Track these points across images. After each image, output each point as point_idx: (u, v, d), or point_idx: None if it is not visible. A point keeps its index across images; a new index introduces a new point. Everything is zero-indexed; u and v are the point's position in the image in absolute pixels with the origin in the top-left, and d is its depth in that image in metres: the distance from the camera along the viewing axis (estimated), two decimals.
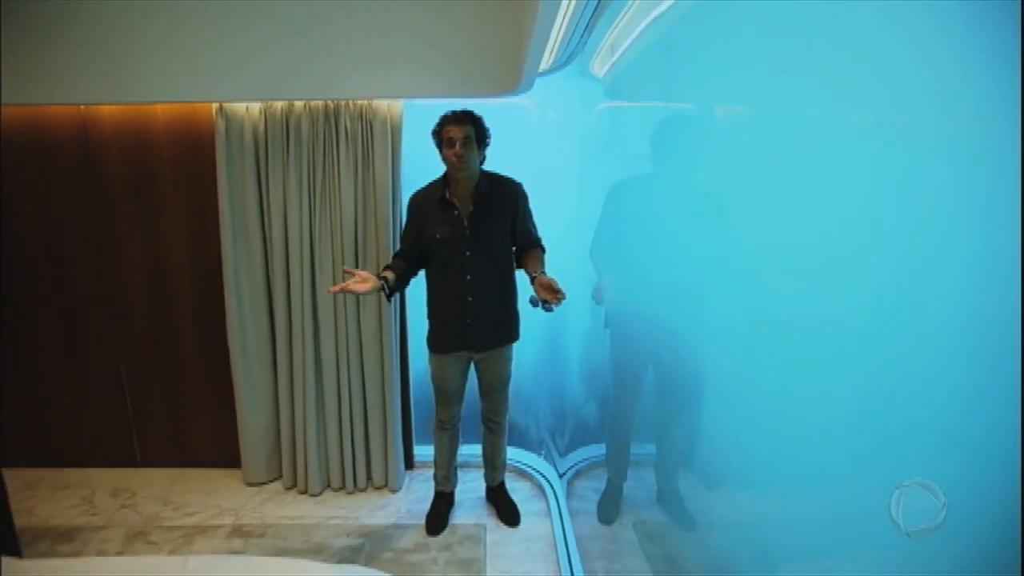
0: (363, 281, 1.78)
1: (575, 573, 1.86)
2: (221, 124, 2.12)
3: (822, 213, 0.72)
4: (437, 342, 2.03)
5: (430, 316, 2.05)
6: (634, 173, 1.60)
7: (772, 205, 0.85)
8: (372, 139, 2.10)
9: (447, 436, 2.18)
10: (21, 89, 2.06)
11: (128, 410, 2.56)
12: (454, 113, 1.85)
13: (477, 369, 2.12)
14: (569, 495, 2.26)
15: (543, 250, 2.02)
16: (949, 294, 0.51)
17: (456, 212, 1.90)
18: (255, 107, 2.13)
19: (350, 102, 2.09)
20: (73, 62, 2.04)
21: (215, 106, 2.13)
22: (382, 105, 2.09)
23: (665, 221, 1.36)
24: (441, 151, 1.88)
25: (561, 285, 1.74)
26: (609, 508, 1.82)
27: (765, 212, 0.88)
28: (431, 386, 2.14)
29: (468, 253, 1.91)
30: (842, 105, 0.68)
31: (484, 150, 1.91)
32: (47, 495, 2.40)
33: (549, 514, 2.24)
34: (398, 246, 2.18)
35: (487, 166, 1.97)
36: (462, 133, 1.81)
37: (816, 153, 0.74)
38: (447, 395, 2.10)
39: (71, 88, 2.07)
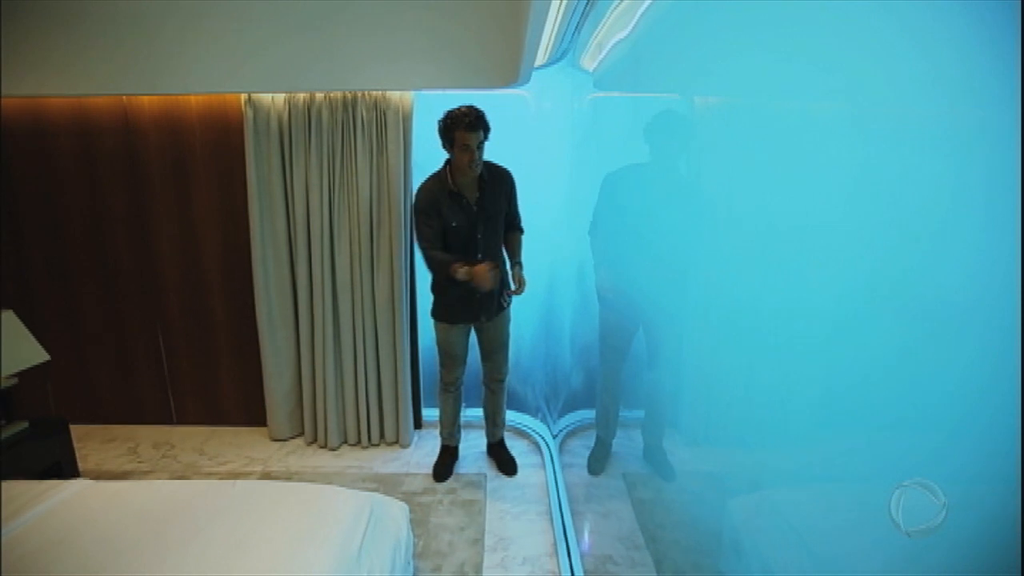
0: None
1: (564, 512, 2.11)
2: (249, 113, 2.34)
3: (800, 198, 0.80)
4: (448, 314, 2.21)
5: (439, 292, 2.21)
6: (627, 161, 1.72)
7: (754, 191, 0.96)
8: (386, 127, 2.32)
9: (452, 397, 2.38)
10: (66, 82, 2.30)
11: (165, 374, 2.84)
12: (467, 119, 1.94)
13: (479, 333, 2.31)
14: (561, 452, 2.51)
15: (522, 232, 2.26)
16: (941, 286, 0.51)
17: (465, 200, 2.07)
18: (280, 98, 2.36)
19: (366, 93, 2.31)
20: (116, 58, 2.27)
21: (243, 97, 2.35)
22: (395, 96, 2.31)
23: (655, 204, 1.54)
24: (450, 149, 2.01)
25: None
26: (598, 462, 2.01)
27: (745, 198, 0.99)
28: (436, 351, 2.34)
29: (480, 236, 2.10)
30: (822, 95, 0.73)
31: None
32: (97, 446, 2.68)
33: (543, 467, 2.49)
34: (409, 224, 2.41)
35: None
36: (476, 140, 1.95)
37: (793, 141, 0.81)
38: (453, 358, 2.29)
39: (114, 80, 2.30)
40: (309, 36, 2.20)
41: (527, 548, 1.96)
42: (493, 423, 2.50)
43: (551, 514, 2.15)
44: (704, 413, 1.29)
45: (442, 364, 2.34)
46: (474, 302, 2.16)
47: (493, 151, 2.22)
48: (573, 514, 2.11)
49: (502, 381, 2.42)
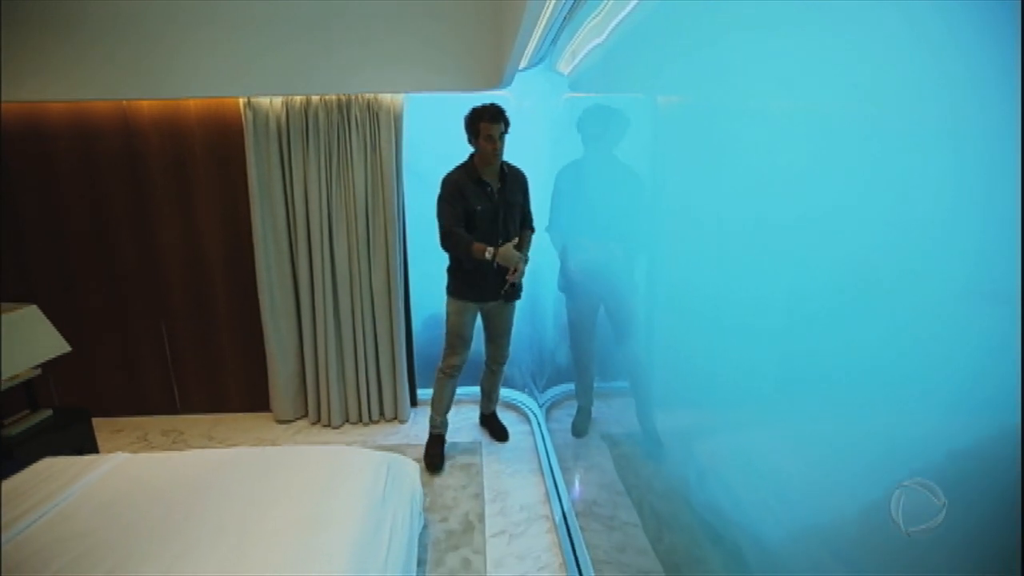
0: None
1: (553, 468, 2.37)
2: (249, 115, 2.50)
3: (751, 182, 0.89)
4: (469, 292, 2.32)
5: (459, 272, 2.33)
6: (577, 155, 1.94)
7: (711, 180, 1.06)
8: (379, 127, 2.51)
9: (452, 383, 2.46)
10: (67, 87, 2.42)
11: (169, 366, 2.97)
12: (490, 112, 2.13)
13: (488, 317, 2.47)
14: (547, 419, 2.77)
15: (533, 231, 2.45)
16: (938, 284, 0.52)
17: (489, 188, 2.24)
18: (278, 101, 2.52)
19: (359, 96, 2.49)
20: (116, 63, 2.40)
21: (243, 100, 2.51)
22: (386, 98, 2.50)
23: (607, 194, 1.77)
24: (474, 141, 2.18)
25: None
26: (582, 425, 2.23)
27: (700, 187, 1.13)
28: (444, 335, 2.42)
29: (501, 221, 2.27)
30: (774, 92, 0.79)
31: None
32: (107, 436, 2.81)
33: (532, 433, 2.75)
34: (403, 216, 2.61)
35: None
36: (499, 131, 2.14)
37: (743, 129, 0.91)
38: (464, 340, 2.39)
39: (114, 85, 2.43)
40: (305, 42, 2.38)
41: (523, 498, 2.22)
42: (489, 398, 2.73)
43: (542, 471, 2.41)
44: (667, 376, 1.48)
45: (449, 347, 2.42)
46: (489, 279, 2.29)
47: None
48: (562, 470, 2.37)
49: (503, 364, 2.61)
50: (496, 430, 2.73)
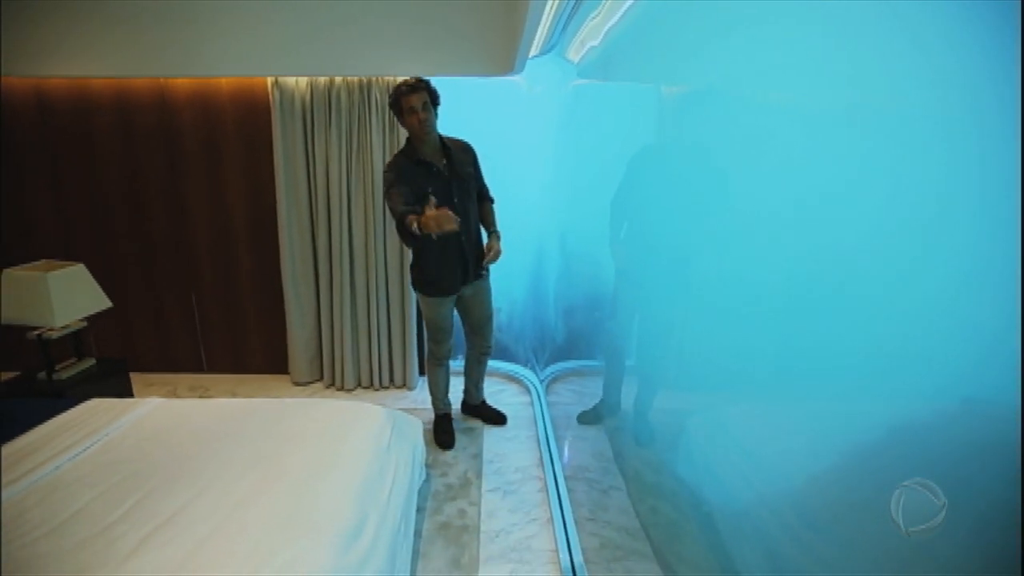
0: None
1: (549, 437, 2.53)
2: (276, 94, 2.66)
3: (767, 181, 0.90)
4: (437, 286, 2.24)
5: (424, 266, 2.23)
6: (645, 145, 1.75)
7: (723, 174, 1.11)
8: None
9: (444, 370, 2.51)
10: (108, 64, 2.60)
11: (197, 327, 3.19)
12: (407, 84, 2.03)
13: (464, 308, 2.41)
14: (548, 393, 2.92)
15: (492, 201, 2.38)
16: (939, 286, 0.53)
17: (435, 168, 2.12)
18: (303, 81, 2.67)
19: (380, 78, 2.63)
20: (153, 40, 2.56)
21: (271, 80, 2.66)
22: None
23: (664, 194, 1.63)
24: (402, 119, 2.09)
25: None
26: (594, 416, 2.20)
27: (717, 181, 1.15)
28: (426, 329, 2.44)
29: (456, 199, 2.15)
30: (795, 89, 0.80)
31: (437, 110, 2.13)
32: (140, 388, 3.04)
33: (532, 404, 2.91)
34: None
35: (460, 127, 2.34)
36: (420, 101, 2.02)
37: (766, 130, 0.90)
38: (445, 331, 2.38)
39: (151, 63, 2.60)
40: (330, 25, 2.50)
41: (518, 461, 2.38)
42: (477, 387, 2.71)
43: (538, 439, 2.57)
44: (661, 361, 1.58)
45: (432, 339, 2.42)
46: (464, 262, 2.23)
47: (492, 130, 2.57)
48: (557, 439, 2.53)
49: (489, 353, 2.60)
50: (491, 416, 2.72)
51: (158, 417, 1.90)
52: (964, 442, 0.56)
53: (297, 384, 3.13)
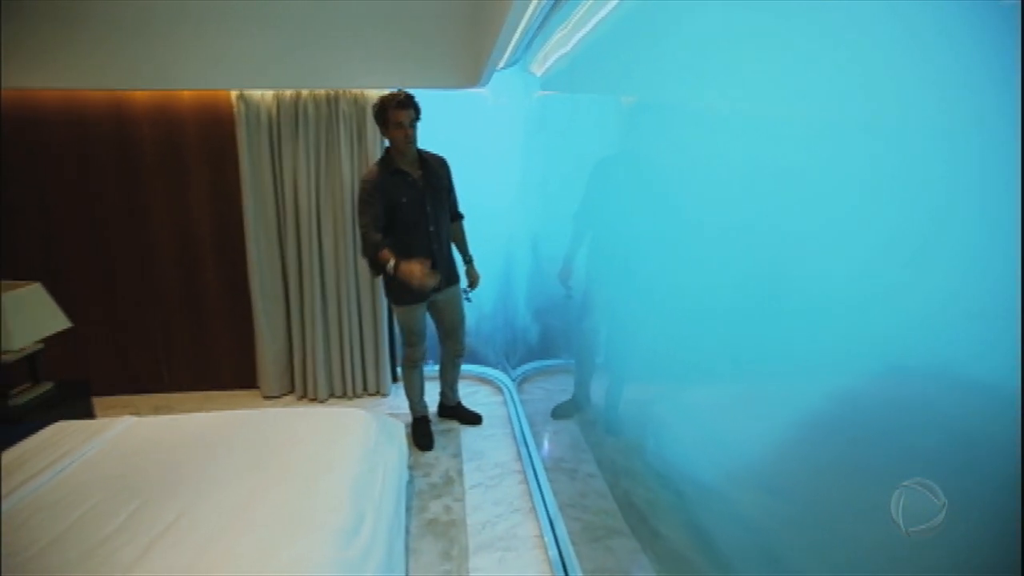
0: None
1: (525, 433, 2.63)
2: (241, 107, 2.67)
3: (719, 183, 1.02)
4: (410, 294, 2.28)
5: (394, 278, 2.21)
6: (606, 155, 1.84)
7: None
8: (365, 120, 2.71)
9: (418, 373, 2.57)
10: (61, 75, 2.53)
11: (159, 345, 3.10)
12: (397, 99, 2.12)
13: (436, 315, 2.50)
14: (520, 392, 3.03)
15: (462, 217, 2.51)
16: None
17: (411, 178, 2.23)
18: (269, 94, 2.69)
19: (347, 90, 2.68)
20: (109, 53, 2.52)
21: (235, 92, 2.67)
22: (373, 93, 2.70)
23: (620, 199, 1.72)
24: (386, 131, 2.17)
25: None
26: (566, 411, 2.34)
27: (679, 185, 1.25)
28: (400, 333, 2.53)
29: (429, 208, 2.26)
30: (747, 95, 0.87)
31: (417, 125, 2.24)
32: (101, 412, 2.93)
33: (505, 404, 3.01)
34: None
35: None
36: (408, 117, 2.13)
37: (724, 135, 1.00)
38: (418, 335, 2.45)
39: (107, 75, 2.55)
40: (296, 38, 2.55)
41: (497, 457, 2.47)
42: (452, 389, 2.78)
43: (514, 435, 2.67)
44: (629, 353, 1.72)
45: (407, 343, 2.48)
46: (433, 269, 2.24)
47: (459, 141, 2.68)
48: (533, 434, 2.63)
49: (462, 356, 2.68)
50: (467, 416, 2.79)
51: (137, 434, 1.87)
52: (892, 407, 0.69)
53: (267, 398, 3.10)
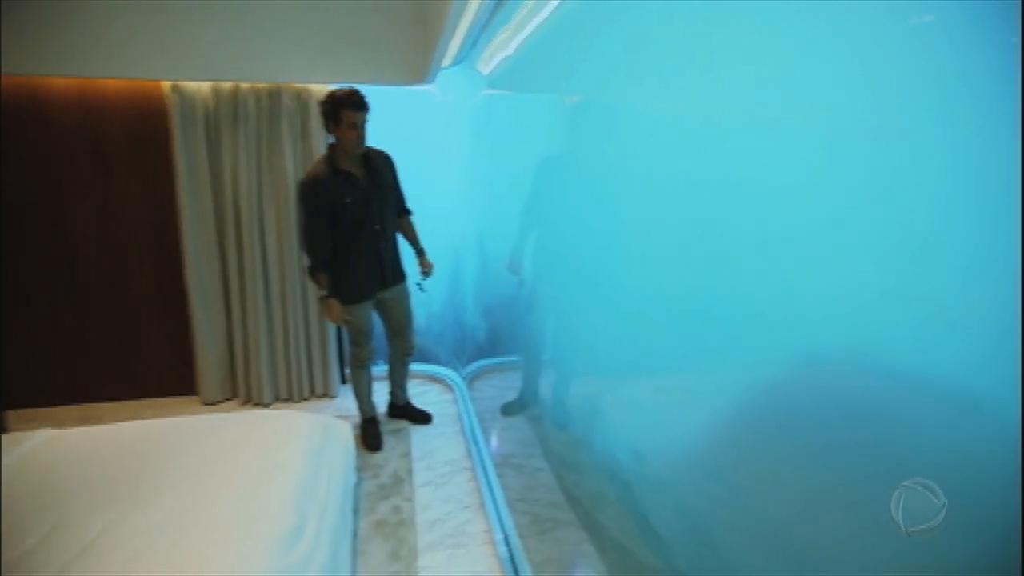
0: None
1: (475, 430, 2.64)
2: (175, 99, 2.54)
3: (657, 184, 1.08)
4: (357, 294, 2.30)
5: (341, 274, 2.26)
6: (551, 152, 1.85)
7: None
8: (309, 116, 2.64)
9: (366, 373, 2.54)
10: None
11: (86, 352, 2.91)
12: (355, 98, 2.06)
13: (385, 313, 2.48)
14: (470, 389, 3.04)
15: (410, 213, 2.49)
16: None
17: (354, 177, 2.17)
18: (206, 86, 2.57)
19: (289, 84, 2.61)
20: (23, 35, 2.34)
21: (168, 84, 2.53)
22: (316, 88, 2.63)
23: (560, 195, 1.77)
24: (337, 130, 2.09)
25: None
26: (516, 408, 2.39)
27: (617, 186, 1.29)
28: (347, 335, 2.50)
29: (375, 207, 2.23)
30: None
31: None
32: (19, 426, 2.73)
33: (456, 402, 3.01)
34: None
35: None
36: (362, 118, 2.09)
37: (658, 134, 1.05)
38: (365, 334, 2.42)
39: (22, 59, 2.36)
40: (234, 29, 2.45)
41: (447, 455, 2.47)
42: (402, 388, 2.76)
43: (464, 433, 2.67)
44: (577, 351, 1.77)
45: (355, 343, 2.45)
46: (381, 267, 2.32)
47: (406, 138, 2.65)
48: (483, 431, 2.65)
49: (411, 354, 2.65)
50: (417, 416, 2.78)
51: (55, 448, 1.75)
52: (824, 399, 0.73)
53: (208, 404, 2.97)
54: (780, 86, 0.75)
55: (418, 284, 2.51)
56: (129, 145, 2.68)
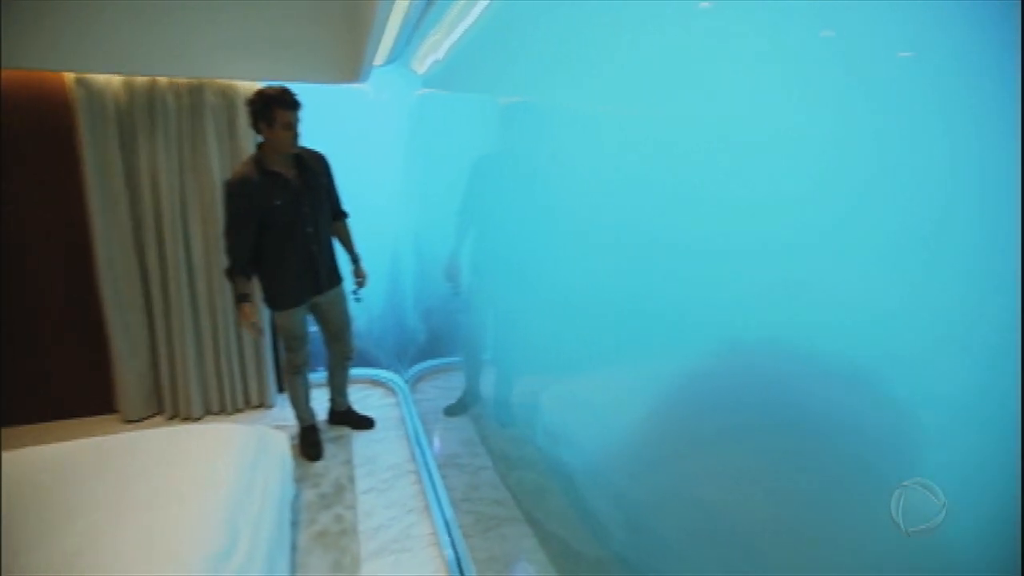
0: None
1: (419, 433, 2.62)
2: (81, 93, 2.34)
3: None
4: (289, 298, 2.23)
5: (272, 278, 2.21)
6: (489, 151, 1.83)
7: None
8: (236, 114, 2.51)
9: (302, 379, 2.45)
10: None
11: None
12: (287, 100, 1.99)
13: (322, 317, 2.41)
14: (413, 391, 3.00)
15: (346, 215, 2.42)
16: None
17: (284, 178, 2.10)
18: (116, 80, 2.39)
19: (213, 80, 2.47)
20: None
21: (71, 76, 2.34)
22: (243, 85, 2.51)
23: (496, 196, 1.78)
24: (269, 130, 2.01)
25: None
26: (459, 408, 2.36)
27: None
28: (281, 340, 2.41)
29: (306, 208, 2.15)
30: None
31: None
32: None
33: (398, 405, 2.97)
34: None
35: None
36: (296, 118, 2.03)
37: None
38: (300, 339, 2.34)
39: None
40: (147, 18, 2.27)
41: (390, 460, 2.44)
42: (341, 393, 2.69)
43: (407, 436, 2.64)
44: (520, 349, 1.78)
45: (289, 349, 2.36)
46: (315, 271, 2.25)
47: (340, 137, 2.58)
48: (426, 432, 2.63)
49: (351, 358, 2.58)
50: (358, 421, 2.72)
51: None
52: (730, 377, 0.78)
53: (130, 421, 2.78)
54: (705, 83, 0.77)
55: (354, 293, 2.47)
56: (24, 144, 2.44)
